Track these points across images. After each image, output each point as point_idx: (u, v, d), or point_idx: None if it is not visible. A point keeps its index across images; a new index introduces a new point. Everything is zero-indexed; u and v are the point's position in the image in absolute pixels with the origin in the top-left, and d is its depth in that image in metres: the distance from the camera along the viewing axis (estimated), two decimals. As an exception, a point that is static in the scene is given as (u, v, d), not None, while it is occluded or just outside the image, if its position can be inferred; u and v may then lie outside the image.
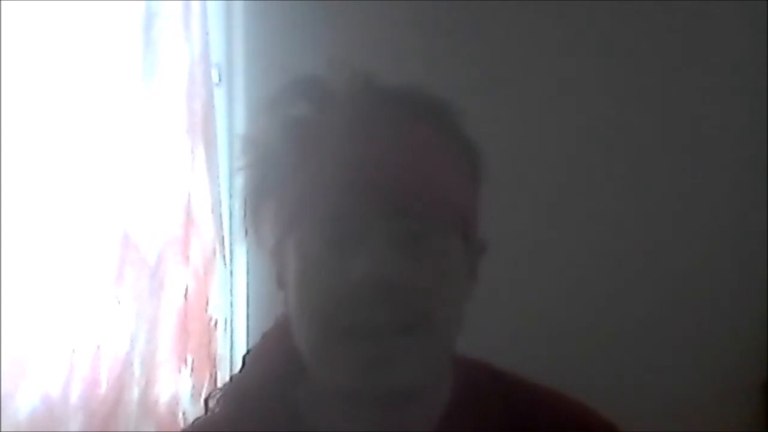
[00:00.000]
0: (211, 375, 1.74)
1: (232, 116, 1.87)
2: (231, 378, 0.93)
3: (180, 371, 1.70)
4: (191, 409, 1.70)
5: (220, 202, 1.77)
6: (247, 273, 1.83)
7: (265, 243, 0.85)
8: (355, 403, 0.81)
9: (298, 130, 0.81)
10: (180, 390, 1.71)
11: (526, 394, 0.89)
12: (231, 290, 1.86)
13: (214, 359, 1.75)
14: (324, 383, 0.81)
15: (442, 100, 0.84)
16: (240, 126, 1.84)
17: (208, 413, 0.89)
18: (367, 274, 0.75)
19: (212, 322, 1.76)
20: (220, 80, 1.84)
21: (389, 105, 0.81)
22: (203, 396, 1.71)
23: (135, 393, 1.64)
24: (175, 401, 1.70)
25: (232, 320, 1.85)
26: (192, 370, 1.71)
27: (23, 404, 1.56)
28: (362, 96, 0.81)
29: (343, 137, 0.79)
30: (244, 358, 0.92)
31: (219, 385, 1.73)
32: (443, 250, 0.79)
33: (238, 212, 1.84)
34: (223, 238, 1.77)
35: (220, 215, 1.77)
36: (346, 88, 0.81)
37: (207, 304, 1.74)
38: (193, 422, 0.93)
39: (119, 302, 1.63)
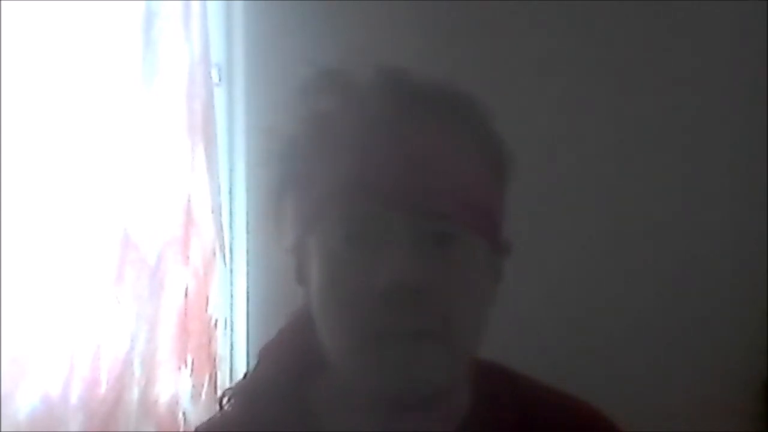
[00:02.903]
0: (211, 375, 1.74)
1: (232, 116, 1.86)
2: (245, 375, 0.92)
3: (180, 371, 1.70)
4: (191, 409, 1.70)
5: (220, 202, 1.77)
6: (247, 273, 1.83)
7: (285, 237, 0.83)
8: (375, 406, 0.79)
9: (322, 125, 0.80)
10: (180, 390, 1.70)
11: (540, 396, 0.89)
12: (231, 290, 1.86)
13: (214, 359, 1.75)
14: (345, 384, 0.81)
15: (469, 97, 0.82)
16: (240, 126, 1.84)
17: (222, 411, 0.88)
18: (391, 282, 0.74)
19: (212, 322, 1.76)
20: (220, 80, 1.84)
21: (415, 101, 0.79)
22: (203, 396, 1.71)
23: (135, 393, 1.64)
24: (175, 401, 1.69)
25: (232, 320, 1.85)
26: (192, 370, 1.71)
27: (23, 404, 1.56)
28: (388, 91, 0.79)
29: (367, 134, 0.77)
30: (259, 354, 0.91)
31: (219, 385, 1.73)
32: (468, 252, 0.78)
33: (238, 212, 1.86)
34: (223, 238, 1.77)
35: (220, 215, 1.77)
36: (371, 83, 0.80)
37: (207, 304, 1.74)
38: (208, 420, 0.92)
39: (119, 302, 1.63)
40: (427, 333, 0.76)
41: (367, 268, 0.75)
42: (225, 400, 0.88)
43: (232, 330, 1.85)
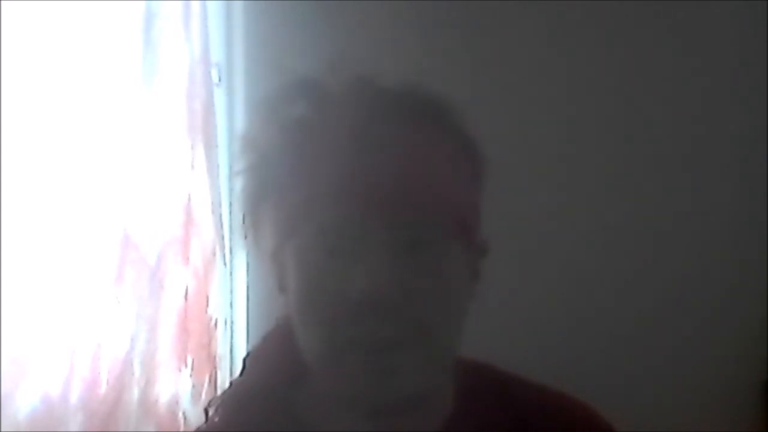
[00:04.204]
0: (211, 375, 1.74)
1: (232, 116, 1.87)
2: (231, 383, 0.92)
3: (180, 371, 1.70)
4: (191, 409, 1.70)
5: (220, 202, 1.77)
6: (247, 273, 1.83)
7: (265, 247, 0.83)
8: (357, 412, 0.80)
9: (297, 133, 0.80)
10: (180, 390, 1.70)
11: (530, 395, 0.89)
12: (231, 290, 1.86)
13: (214, 359, 1.75)
14: (327, 390, 0.81)
15: (443, 100, 0.82)
16: (240, 126, 1.84)
17: (208, 421, 0.88)
18: (367, 289, 0.74)
19: (212, 322, 1.76)
20: (220, 80, 1.84)
21: (389, 107, 0.79)
22: (203, 396, 1.71)
23: (135, 393, 1.64)
24: (175, 401, 1.69)
25: (232, 320, 1.85)
26: (192, 370, 1.71)
27: (23, 404, 1.56)
28: (362, 98, 0.79)
29: (342, 141, 0.77)
30: (244, 360, 0.91)
31: (219, 385, 1.73)
32: (444, 256, 0.78)
33: (237, 213, 1.85)
34: (223, 238, 1.77)
35: (220, 215, 1.77)
36: (345, 90, 0.80)
37: (207, 304, 1.74)
38: (196, 430, 0.92)
39: (119, 302, 1.63)
40: (403, 341, 0.75)
41: (343, 276, 0.75)
42: (211, 411, 0.87)
43: (232, 330, 1.85)
